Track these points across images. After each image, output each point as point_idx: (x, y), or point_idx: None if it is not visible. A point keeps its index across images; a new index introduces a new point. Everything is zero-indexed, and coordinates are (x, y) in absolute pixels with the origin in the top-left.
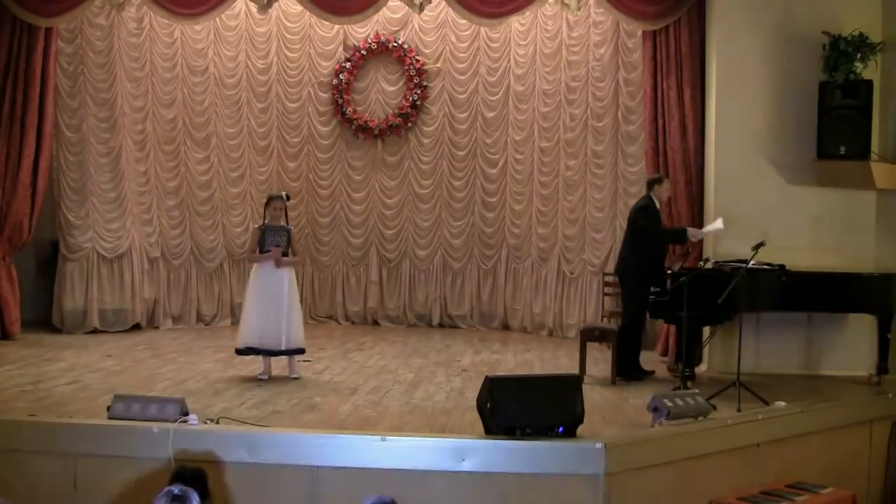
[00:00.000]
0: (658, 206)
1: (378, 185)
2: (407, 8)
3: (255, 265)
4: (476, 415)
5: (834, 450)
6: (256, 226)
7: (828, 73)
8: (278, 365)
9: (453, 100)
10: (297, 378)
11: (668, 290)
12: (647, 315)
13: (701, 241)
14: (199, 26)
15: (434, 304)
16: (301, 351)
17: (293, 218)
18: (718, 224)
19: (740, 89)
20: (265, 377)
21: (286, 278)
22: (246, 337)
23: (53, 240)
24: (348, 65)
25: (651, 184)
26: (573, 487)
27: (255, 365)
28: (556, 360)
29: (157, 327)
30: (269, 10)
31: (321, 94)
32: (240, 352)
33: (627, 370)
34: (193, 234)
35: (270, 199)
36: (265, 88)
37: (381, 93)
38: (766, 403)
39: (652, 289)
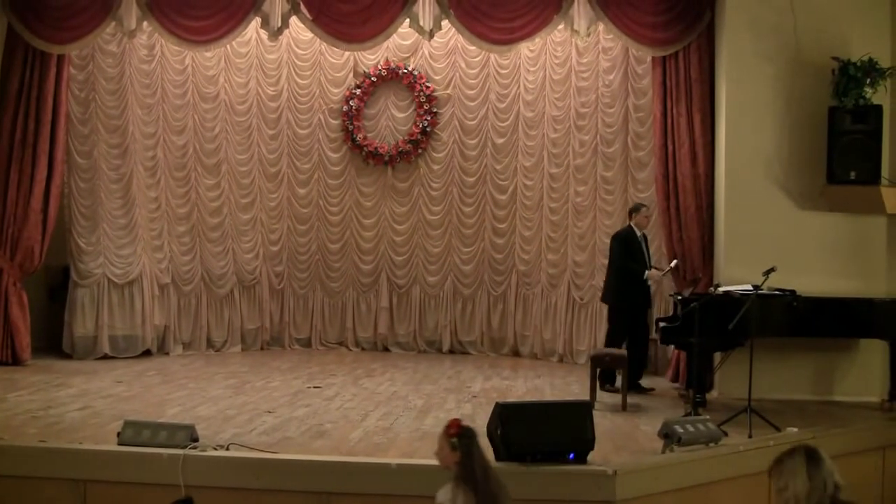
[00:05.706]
0: (639, 233)
1: (388, 211)
2: (417, 35)
3: None
4: (486, 441)
5: (846, 476)
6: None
7: (837, 99)
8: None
9: (463, 126)
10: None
11: (679, 316)
12: (658, 339)
13: (711, 268)
14: (210, 53)
15: (444, 330)
16: None
17: (303, 244)
18: (672, 265)
19: (750, 115)
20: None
21: None
22: None
23: (64, 266)
24: (358, 91)
25: (630, 212)
26: None
27: (263, 392)
28: (566, 387)
29: (167, 353)
30: (280, 38)
31: (331, 120)
32: None
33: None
34: (204, 261)
35: None
36: (276, 115)
37: (391, 119)
38: (778, 429)
39: (661, 315)
